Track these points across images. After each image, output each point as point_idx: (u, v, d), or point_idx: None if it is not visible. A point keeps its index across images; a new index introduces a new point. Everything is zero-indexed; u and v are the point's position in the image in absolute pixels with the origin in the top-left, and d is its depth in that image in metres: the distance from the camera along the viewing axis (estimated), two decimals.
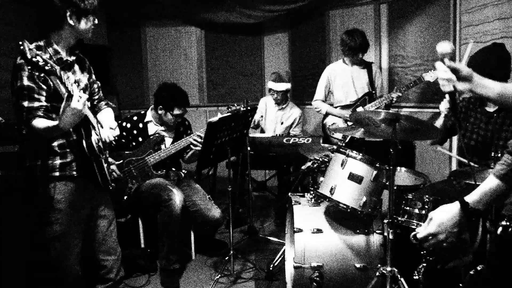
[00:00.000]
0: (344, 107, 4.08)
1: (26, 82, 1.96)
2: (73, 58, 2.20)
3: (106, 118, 2.38)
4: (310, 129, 5.40)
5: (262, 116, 4.57)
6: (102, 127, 2.29)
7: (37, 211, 2.23)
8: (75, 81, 2.16)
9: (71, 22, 2.06)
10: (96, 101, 2.45)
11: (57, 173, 2.12)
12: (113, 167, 2.84)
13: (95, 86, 2.43)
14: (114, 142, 2.31)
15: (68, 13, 2.05)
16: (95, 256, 2.37)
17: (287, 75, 4.45)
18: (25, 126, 2.01)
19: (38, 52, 1.80)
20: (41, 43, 2.06)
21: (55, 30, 2.09)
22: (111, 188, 2.34)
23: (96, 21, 2.18)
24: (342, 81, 4.09)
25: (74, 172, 2.16)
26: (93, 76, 2.41)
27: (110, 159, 2.45)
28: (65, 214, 2.15)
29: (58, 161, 2.12)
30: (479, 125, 2.69)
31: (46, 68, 1.81)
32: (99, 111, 2.45)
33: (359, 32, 3.90)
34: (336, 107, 4.13)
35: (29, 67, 1.84)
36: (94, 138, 2.15)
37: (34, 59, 1.77)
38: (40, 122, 1.98)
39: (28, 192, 2.54)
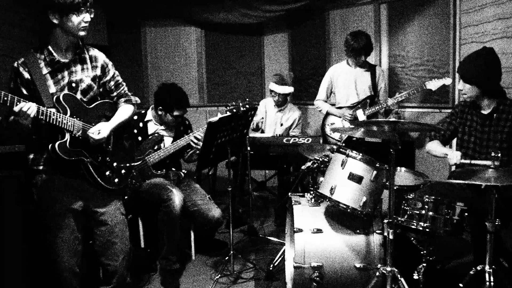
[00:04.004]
0: (344, 108, 4.07)
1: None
2: (70, 58, 2.17)
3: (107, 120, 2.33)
4: (310, 129, 5.39)
5: (262, 118, 4.57)
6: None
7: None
8: (72, 82, 2.17)
9: (54, 21, 2.06)
10: (115, 98, 2.43)
11: (40, 167, 2.23)
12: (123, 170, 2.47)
13: (112, 84, 2.39)
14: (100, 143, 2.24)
15: (49, 12, 2.05)
16: (98, 260, 2.38)
17: (290, 78, 4.43)
18: None
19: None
20: (41, 46, 2.12)
21: (50, 32, 2.11)
22: (112, 189, 2.32)
23: (88, 18, 2.11)
24: (344, 82, 4.08)
25: (58, 169, 2.22)
26: (110, 74, 2.38)
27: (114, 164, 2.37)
28: (49, 207, 2.21)
29: (42, 156, 2.24)
30: (475, 127, 2.71)
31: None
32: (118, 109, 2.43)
33: (364, 34, 3.88)
34: (336, 108, 4.13)
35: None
36: (65, 141, 2.11)
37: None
38: None
39: (28, 192, 2.54)
